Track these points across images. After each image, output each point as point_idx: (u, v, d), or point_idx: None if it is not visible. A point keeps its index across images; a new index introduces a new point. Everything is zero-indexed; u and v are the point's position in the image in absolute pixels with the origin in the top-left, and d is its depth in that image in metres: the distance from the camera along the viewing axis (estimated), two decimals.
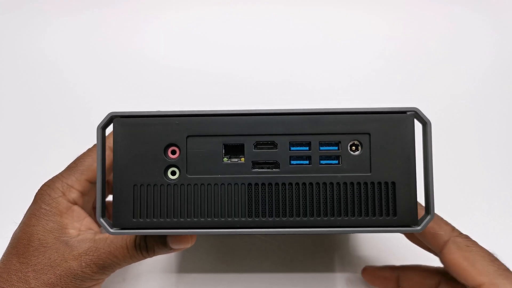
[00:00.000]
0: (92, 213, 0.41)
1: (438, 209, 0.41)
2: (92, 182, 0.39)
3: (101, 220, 0.29)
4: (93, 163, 0.38)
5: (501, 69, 0.51)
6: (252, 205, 0.30)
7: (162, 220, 0.29)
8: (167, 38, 0.52)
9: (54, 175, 0.39)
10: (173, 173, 0.30)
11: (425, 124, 0.29)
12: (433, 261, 0.46)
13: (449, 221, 0.47)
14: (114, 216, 0.29)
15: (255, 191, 0.30)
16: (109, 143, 0.36)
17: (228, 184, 0.30)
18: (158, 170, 0.30)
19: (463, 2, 0.53)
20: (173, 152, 0.30)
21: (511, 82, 0.51)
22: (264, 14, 0.53)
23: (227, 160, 0.30)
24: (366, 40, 0.52)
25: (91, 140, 0.41)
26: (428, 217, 0.29)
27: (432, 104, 0.48)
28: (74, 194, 0.37)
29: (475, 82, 0.51)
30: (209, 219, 0.29)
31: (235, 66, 0.52)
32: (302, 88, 0.51)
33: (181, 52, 0.52)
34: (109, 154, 0.36)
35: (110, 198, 0.44)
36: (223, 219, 0.29)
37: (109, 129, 0.31)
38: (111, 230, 0.29)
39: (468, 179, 0.48)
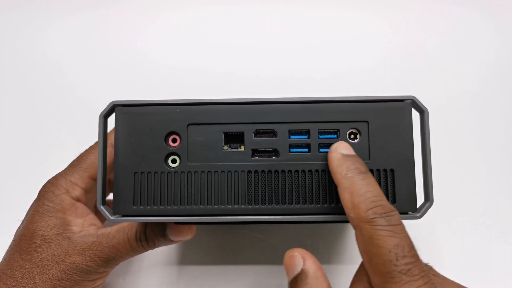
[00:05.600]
0: (95, 210, 0.41)
1: (438, 207, 0.41)
2: (95, 179, 0.39)
3: (101, 207, 0.29)
4: (96, 161, 0.38)
5: (501, 68, 0.51)
6: (252, 192, 0.30)
7: (162, 207, 0.30)
8: (168, 38, 0.53)
9: (57, 172, 0.39)
10: (174, 161, 0.30)
11: (423, 112, 0.30)
12: (434, 254, 0.47)
13: (448, 219, 0.47)
14: (115, 204, 0.30)
15: (254, 179, 0.30)
16: (111, 140, 0.36)
17: (228, 172, 0.30)
18: (159, 158, 0.30)
19: (463, 1, 0.53)
20: (174, 140, 0.30)
21: (510, 80, 0.51)
22: (264, 13, 0.54)
23: (227, 148, 0.30)
24: (367, 39, 0.52)
25: (93, 137, 0.41)
26: (427, 204, 0.29)
27: (432, 102, 0.48)
28: (77, 191, 0.38)
29: (475, 81, 0.51)
30: (209, 207, 0.30)
31: (236, 66, 0.52)
32: (303, 87, 0.51)
33: (182, 52, 0.52)
34: (110, 151, 0.37)
35: (110, 196, 0.44)
36: (223, 207, 0.30)
37: (109, 128, 0.32)
38: (111, 217, 0.29)
39: (468, 176, 0.49)
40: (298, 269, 0.28)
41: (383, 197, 0.26)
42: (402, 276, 0.24)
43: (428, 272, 0.25)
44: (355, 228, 0.26)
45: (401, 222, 0.26)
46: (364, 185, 0.27)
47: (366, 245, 0.25)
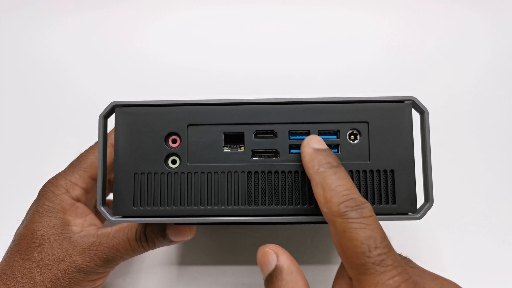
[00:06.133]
0: (95, 210, 0.41)
1: (438, 208, 0.41)
2: (95, 179, 0.39)
3: (101, 208, 0.29)
4: (96, 161, 0.38)
5: (501, 68, 0.51)
6: (252, 193, 0.30)
7: (162, 208, 0.30)
8: (168, 38, 0.53)
9: (57, 172, 0.39)
10: (174, 161, 0.30)
11: (423, 112, 0.30)
12: (434, 255, 0.47)
13: (449, 220, 0.47)
14: (115, 204, 0.29)
15: (254, 179, 0.30)
16: (111, 140, 0.36)
17: (228, 173, 0.30)
18: (159, 158, 0.30)
19: (463, 1, 0.53)
20: (174, 141, 0.30)
21: (509, 80, 0.51)
22: (264, 13, 0.54)
23: (227, 149, 0.30)
24: (367, 39, 0.52)
25: (93, 137, 0.41)
26: (428, 204, 0.29)
27: (432, 102, 0.48)
28: (77, 192, 0.38)
29: (475, 81, 0.51)
30: (209, 207, 0.30)
31: (236, 66, 0.52)
32: (303, 87, 0.51)
33: (182, 52, 0.52)
34: (110, 151, 0.37)
35: (110, 197, 0.44)
36: (223, 207, 0.30)
37: (110, 128, 0.32)
38: (111, 218, 0.29)
39: (468, 177, 0.49)
40: (272, 266, 0.28)
41: (355, 190, 0.27)
42: (376, 267, 0.24)
43: (402, 262, 0.25)
44: (328, 222, 0.27)
45: (373, 213, 0.26)
46: (336, 179, 0.27)
47: (340, 239, 0.25)
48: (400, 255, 0.29)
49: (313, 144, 0.29)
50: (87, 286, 0.36)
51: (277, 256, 0.28)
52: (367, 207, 0.26)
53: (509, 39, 0.52)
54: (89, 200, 0.40)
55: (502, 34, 0.52)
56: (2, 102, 0.52)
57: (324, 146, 0.29)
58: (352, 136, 0.30)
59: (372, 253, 0.24)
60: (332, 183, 0.26)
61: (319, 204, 0.27)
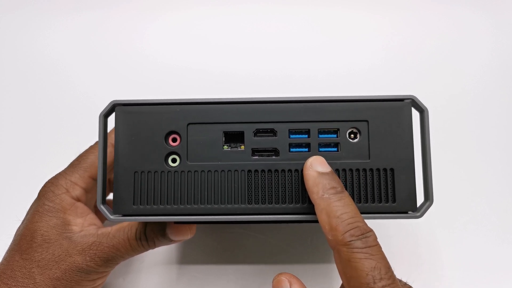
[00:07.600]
0: (95, 210, 0.41)
1: (438, 208, 0.41)
2: (95, 179, 0.39)
3: (101, 206, 0.29)
4: (96, 160, 0.38)
5: (501, 68, 0.51)
6: (252, 192, 0.30)
7: (162, 207, 0.30)
8: (168, 38, 0.53)
9: (57, 172, 0.39)
10: (174, 160, 0.30)
11: (422, 111, 0.30)
12: (433, 254, 0.47)
13: (448, 220, 0.47)
14: (115, 203, 0.30)
15: (254, 178, 0.30)
16: (111, 139, 0.36)
17: (228, 171, 0.30)
18: (159, 157, 0.30)
19: (463, 1, 0.53)
20: (174, 140, 0.30)
21: (509, 80, 0.51)
22: (264, 13, 0.54)
23: (227, 148, 0.30)
24: (367, 39, 0.52)
25: (93, 137, 0.41)
26: (427, 203, 0.29)
27: (431, 101, 0.48)
28: (77, 191, 0.38)
29: (475, 81, 0.51)
30: (209, 206, 0.30)
31: (236, 66, 0.52)
32: (303, 86, 0.51)
33: (182, 52, 0.52)
34: (110, 151, 0.37)
35: (110, 197, 0.44)
36: (223, 206, 0.30)
37: (110, 127, 0.32)
38: (111, 217, 0.29)
39: (468, 176, 0.49)
40: None
41: (360, 217, 0.27)
42: None
43: None
44: (333, 250, 0.27)
45: (377, 242, 0.26)
46: (341, 206, 0.27)
47: (344, 267, 0.26)
48: (400, 281, 0.30)
49: (316, 166, 0.29)
50: (87, 285, 0.36)
51: (290, 285, 0.29)
52: (372, 236, 0.26)
53: (509, 39, 0.52)
54: (89, 200, 0.40)
55: (502, 34, 0.53)
56: (2, 102, 0.52)
57: (327, 168, 0.29)
58: (352, 135, 0.30)
59: (376, 284, 0.25)
60: (337, 210, 0.27)
61: (323, 230, 0.27)
